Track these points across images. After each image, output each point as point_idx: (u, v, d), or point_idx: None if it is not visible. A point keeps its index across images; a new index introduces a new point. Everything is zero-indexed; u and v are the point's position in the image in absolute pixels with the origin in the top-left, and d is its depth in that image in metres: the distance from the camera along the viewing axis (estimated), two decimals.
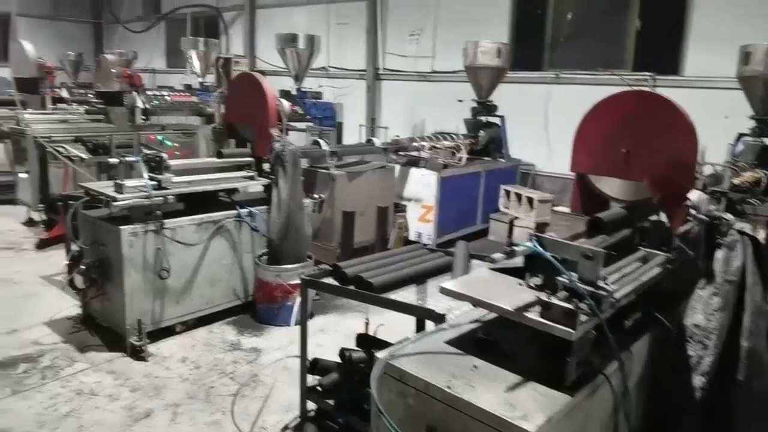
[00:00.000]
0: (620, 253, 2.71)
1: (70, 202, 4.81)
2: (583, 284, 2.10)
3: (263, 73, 14.96)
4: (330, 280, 3.30)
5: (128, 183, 4.23)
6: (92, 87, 11.56)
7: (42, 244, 6.91)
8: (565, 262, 2.14)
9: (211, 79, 12.71)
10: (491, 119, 8.46)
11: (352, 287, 3.12)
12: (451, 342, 2.29)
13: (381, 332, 3.50)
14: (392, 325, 3.44)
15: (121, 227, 4.16)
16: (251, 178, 5.03)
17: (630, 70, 8.96)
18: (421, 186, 6.98)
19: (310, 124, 10.19)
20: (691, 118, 3.05)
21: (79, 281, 4.61)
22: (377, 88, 12.73)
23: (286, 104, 5.64)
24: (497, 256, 2.11)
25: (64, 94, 11.21)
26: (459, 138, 7.84)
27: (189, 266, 4.61)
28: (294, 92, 10.71)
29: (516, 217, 7.66)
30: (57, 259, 6.02)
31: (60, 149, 7.21)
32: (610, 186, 3.41)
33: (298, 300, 4.65)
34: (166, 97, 10.44)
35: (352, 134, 12.30)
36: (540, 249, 2.15)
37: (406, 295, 3.40)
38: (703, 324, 2.81)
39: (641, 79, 8.55)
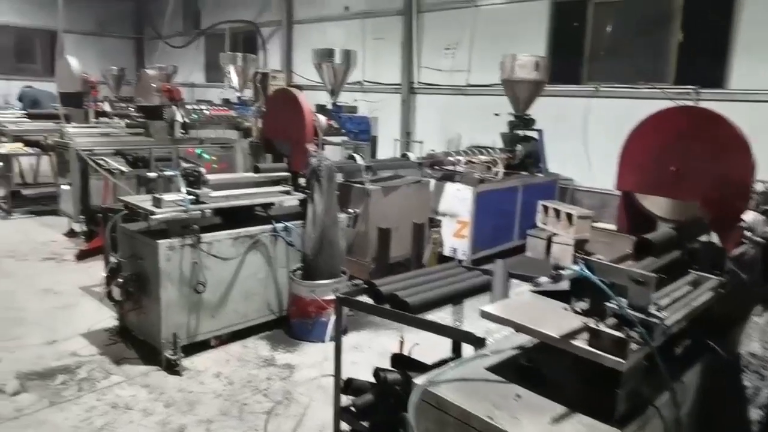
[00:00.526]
0: (670, 277, 2.58)
1: (110, 214, 4.90)
2: (633, 311, 1.99)
3: (299, 87, 15.11)
4: (364, 298, 3.24)
5: (166, 197, 4.26)
6: (133, 101, 11.86)
7: (82, 255, 7.04)
8: (613, 286, 2.04)
9: (248, 93, 12.90)
10: (529, 133, 8.33)
11: (387, 306, 3.05)
12: (493, 369, 2.20)
13: (416, 352, 3.42)
14: (427, 345, 3.36)
15: (159, 241, 4.19)
16: (287, 192, 5.02)
17: (672, 83, 8.73)
18: (457, 201, 6.89)
19: (345, 138, 10.23)
20: (744, 134, 2.91)
21: (116, 293, 4.67)
22: (412, 102, 12.72)
23: (322, 119, 5.65)
24: (542, 280, 2.02)
25: (107, 107, 11.51)
26: (495, 152, 7.73)
27: (224, 280, 4.61)
28: (330, 106, 10.79)
29: (554, 234, 7.50)
30: (96, 270, 6.12)
31: (101, 162, 7.37)
32: (658, 205, 3.26)
33: (332, 316, 4.62)
34: (205, 111, 10.64)
35: (387, 148, 12.29)
36: (588, 273, 2.05)
37: (443, 315, 3.33)
38: (760, 353, 2.66)
39: (684, 93, 8.33)
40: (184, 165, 7.81)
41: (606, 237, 8.71)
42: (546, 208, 7.77)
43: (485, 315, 2.19)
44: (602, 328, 1.96)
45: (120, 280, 4.47)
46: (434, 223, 6.64)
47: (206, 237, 4.42)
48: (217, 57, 14.32)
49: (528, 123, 8.32)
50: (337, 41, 13.68)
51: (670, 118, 3.15)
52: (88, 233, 7.82)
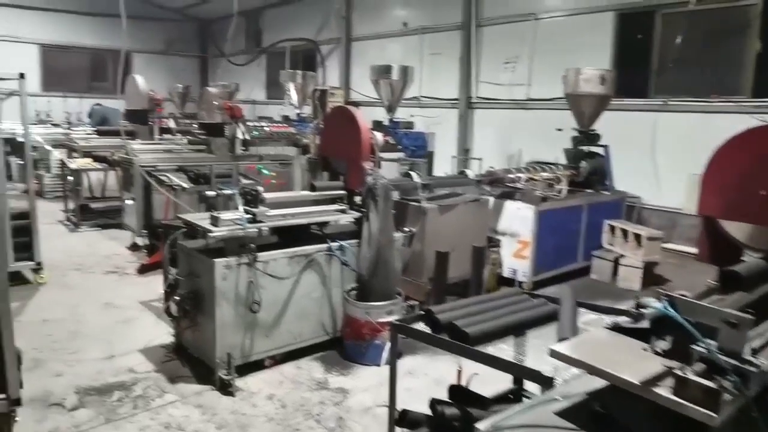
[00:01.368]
0: (761, 314, 2.31)
1: (170, 231, 4.96)
2: (725, 355, 1.76)
3: (357, 104, 15.19)
4: (421, 326, 3.09)
5: (224, 216, 4.25)
6: (196, 117, 12.20)
7: (143, 269, 7.19)
8: (699, 325, 1.82)
9: (307, 110, 13.06)
10: (594, 149, 7.99)
11: (445, 336, 2.89)
12: (563, 414, 2.00)
13: (475, 382, 3.24)
14: (487, 375, 3.16)
15: (215, 260, 4.18)
16: (343, 211, 4.94)
17: (749, 96, 8.23)
18: (517, 220, 6.65)
19: (402, 154, 10.15)
20: None
21: (174, 309, 4.69)
22: (470, 117, 12.55)
23: (379, 137, 5.55)
24: (621, 320, 1.82)
25: (171, 124, 11.88)
26: (558, 169, 7.44)
27: (279, 300, 4.56)
28: (386, 122, 10.76)
29: (621, 255, 7.13)
30: (156, 284, 6.20)
31: (163, 178, 7.54)
32: (745, 232, 2.98)
33: (387, 339, 4.48)
34: (265, 128, 10.80)
35: (444, 163, 12.16)
36: (672, 312, 1.84)
37: (503, 346, 3.14)
38: None
39: (762, 107, 7.82)
40: (243, 182, 7.96)
41: (677, 259, 8.26)
42: (612, 228, 7.41)
43: (555, 355, 1.99)
44: (690, 375, 1.74)
45: (177, 297, 4.49)
46: (493, 243, 6.42)
47: (262, 256, 4.38)
48: (278, 74, 14.60)
49: (593, 138, 7.99)
50: (394, 57, 13.71)
51: (760, 138, 2.88)
52: (150, 247, 7.99)
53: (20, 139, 6.93)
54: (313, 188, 5.00)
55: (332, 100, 15.24)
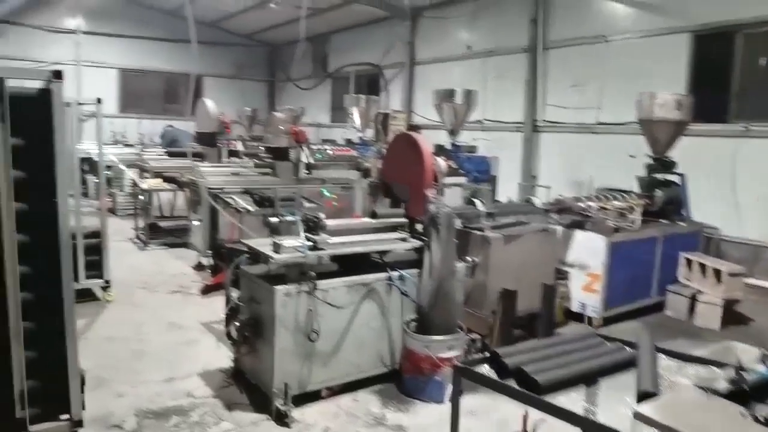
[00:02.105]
0: None
1: (233, 253, 4.99)
2: None
3: (418, 127, 15.14)
4: (486, 368, 2.92)
5: (286, 242, 4.22)
6: (263, 140, 12.48)
7: (206, 290, 7.29)
8: None
9: (370, 133, 13.13)
10: (669, 177, 7.58)
11: (512, 382, 2.71)
12: None
13: (541, 430, 3.03)
14: (555, 422, 2.94)
15: (276, 287, 4.14)
16: (404, 239, 4.83)
17: None
18: (588, 251, 6.34)
19: (464, 179, 9.99)
20: None
21: (234, 333, 4.69)
22: (535, 141, 12.25)
23: (442, 164, 5.43)
24: (722, 387, 1.61)
25: (239, 146, 12.18)
26: (631, 197, 7.07)
27: (338, 329, 4.47)
28: (448, 146, 10.64)
29: (699, 291, 6.67)
30: (218, 305, 6.25)
31: (229, 200, 7.68)
32: None
33: (447, 375, 4.31)
34: (328, 151, 10.90)
35: (508, 188, 11.89)
36: None
37: (575, 395, 2.92)
38: None
39: None
40: (306, 205, 8.00)
41: (760, 296, 7.67)
42: (689, 262, 6.96)
43: (640, 418, 1.80)
44: None
45: (237, 323, 4.48)
46: (561, 275, 6.14)
47: (322, 284, 4.31)
48: (342, 98, 14.77)
49: (668, 166, 7.59)
50: (457, 80, 13.62)
51: None
52: (214, 267, 8.13)
53: (97, 159, 7.28)
54: (374, 215, 4.91)
55: (394, 123, 15.32)
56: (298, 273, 4.24)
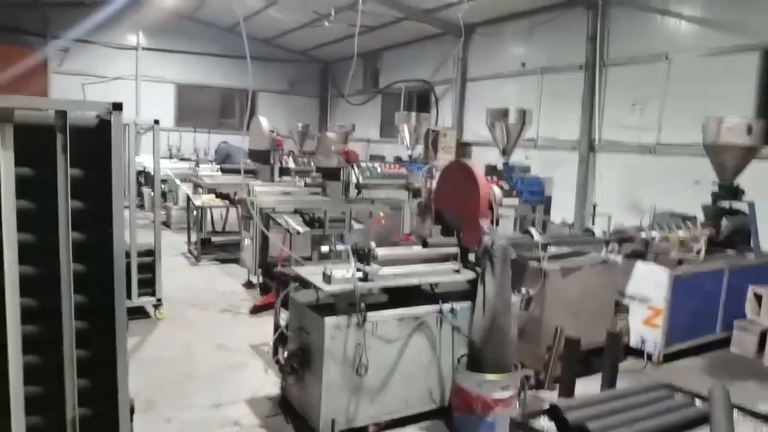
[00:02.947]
0: None
1: (283, 277, 4.95)
2: None
3: (468, 144, 15.04)
4: (545, 423, 2.74)
5: (336, 273, 4.14)
6: (314, 154, 12.58)
7: (255, 310, 7.31)
8: None
9: (419, 149, 13.06)
10: (736, 205, 7.17)
11: None
12: None
13: None
14: None
15: (326, 318, 4.07)
16: (457, 271, 4.68)
17: None
18: (649, 284, 6.04)
19: (516, 200, 9.73)
20: None
21: (281, 358, 4.64)
22: (591, 160, 11.88)
23: (497, 192, 5.27)
24: None
25: (291, 163, 12.28)
26: (696, 227, 6.71)
27: (386, 363, 4.35)
28: (500, 166, 10.41)
29: None
30: (266, 326, 6.22)
31: (280, 220, 7.71)
32: None
33: (500, 417, 4.13)
34: (378, 169, 10.86)
35: (562, 209, 11.57)
36: None
37: None
38: None
39: None
40: (355, 226, 7.96)
41: None
42: (759, 297, 6.54)
43: None
44: None
45: (286, 353, 4.43)
46: (620, 308, 5.85)
47: (372, 316, 4.21)
48: (392, 114, 14.73)
49: (736, 193, 7.18)
50: (510, 97, 13.41)
51: None
52: (263, 286, 8.17)
53: (153, 173, 7.51)
54: (425, 244, 4.79)
55: (444, 140, 15.19)
56: (347, 304, 4.15)
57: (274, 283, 7.61)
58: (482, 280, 4.42)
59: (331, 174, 8.72)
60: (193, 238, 10.59)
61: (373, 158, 16.65)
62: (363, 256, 4.31)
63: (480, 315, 4.41)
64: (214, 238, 10.98)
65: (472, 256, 4.89)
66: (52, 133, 3.10)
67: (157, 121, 6.51)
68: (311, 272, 4.46)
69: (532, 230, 5.48)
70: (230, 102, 20.98)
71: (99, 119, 3.27)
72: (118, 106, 3.23)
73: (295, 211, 7.99)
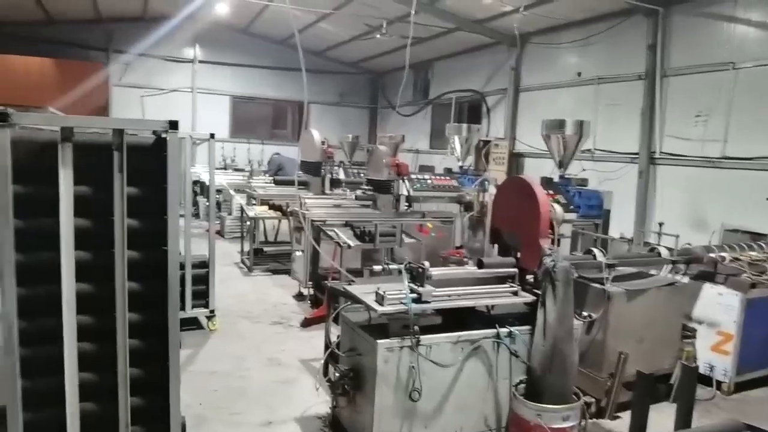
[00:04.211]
0: None
1: (334, 292, 4.87)
2: None
3: (521, 155, 14.73)
4: None
5: (389, 293, 4.02)
6: (364, 165, 12.53)
7: (306, 323, 7.28)
8: None
9: (469, 160, 12.86)
10: None
11: None
12: None
13: None
14: None
15: (378, 341, 3.95)
16: (515, 293, 4.49)
17: None
18: (718, 307, 5.67)
19: (574, 215, 9.41)
20: None
21: (332, 377, 4.55)
22: (651, 173, 11.41)
23: (559, 211, 5.06)
24: None
25: (341, 174, 12.28)
26: None
27: (440, 388, 4.19)
28: (556, 179, 10.10)
29: None
30: (318, 341, 6.14)
31: (331, 233, 7.67)
32: None
33: None
34: (428, 181, 10.72)
35: (620, 224, 11.13)
36: None
37: None
38: None
39: None
40: (406, 240, 7.84)
41: None
42: None
43: None
44: None
45: (337, 374, 4.34)
46: (687, 333, 5.50)
47: (425, 339, 4.07)
48: (442, 124, 14.56)
49: None
50: (565, 107, 13.07)
51: None
52: (314, 298, 8.15)
53: (208, 183, 7.68)
54: (480, 265, 4.61)
55: (496, 151, 14.92)
56: (401, 326, 4.02)
57: (324, 297, 7.60)
58: (542, 304, 4.21)
59: (381, 186, 8.63)
60: (246, 248, 10.71)
61: (422, 169, 16.52)
62: (417, 275, 4.17)
63: (540, 340, 4.20)
64: (266, 248, 11.06)
65: (529, 276, 4.68)
66: (110, 152, 3.11)
67: (213, 135, 6.58)
68: (363, 291, 4.35)
69: (595, 251, 5.21)
70: (282, 113, 21.28)
71: (156, 137, 3.27)
72: (174, 125, 3.22)
73: (346, 224, 7.93)
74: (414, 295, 4.06)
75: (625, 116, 11.80)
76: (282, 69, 19.07)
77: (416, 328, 4.02)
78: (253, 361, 6.11)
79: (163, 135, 3.23)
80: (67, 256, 3.08)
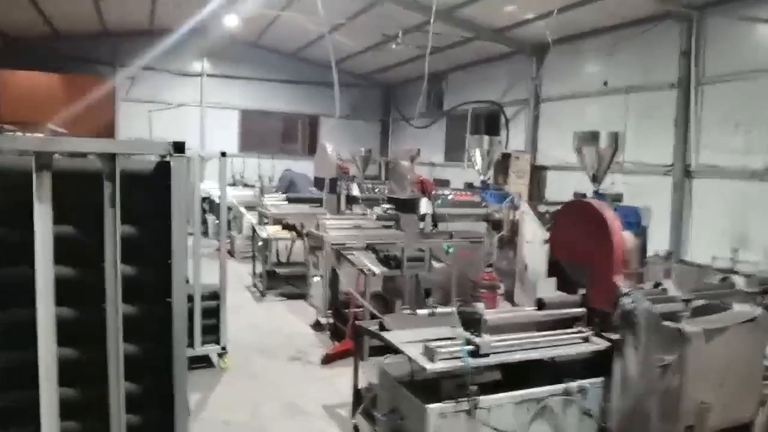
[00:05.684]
0: None
1: (360, 331, 4.22)
2: None
3: (544, 168, 14.05)
4: None
5: (441, 348, 3.34)
6: (377, 180, 11.91)
7: (327, 360, 6.58)
8: None
9: (488, 174, 12.18)
10: None
11: None
12: None
13: None
14: None
15: (429, 406, 3.26)
16: (586, 339, 3.79)
17: None
18: None
19: None
20: None
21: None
22: (686, 187, 10.70)
23: (629, 239, 4.36)
24: None
25: (355, 190, 11.62)
26: None
27: None
28: (589, 194, 9.43)
29: None
30: (341, 382, 5.54)
31: (352, 257, 7.01)
32: None
33: None
34: (449, 196, 10.04)
35: (652, 240, 10.41)
36: None
37: None
38: None
39: None
40: (435, 265, 7.16)
41: None
42: None
43: None
44: None
45: None
46: None
47: (484, 401, 3.38)
48: (457, 137, 13.92)
49: None
50: (591, 118, 12.40)
51: None
52: (334, 328, 7.47)
53: (217, 201, 7.08)
54: (541, 305, 3.93)
55: (516, 164, 14.25)
56: (454, 385, 3.34)
57: (345, 327, 6.93)
58: (621, 353, 3.52)
59: (405, 205, 7.96)
60: (258, 269, 10.06)
61: (437, 183, 15.86)
62: (471, 321, 3.49)
63: (618, 396, 3.51)
64: (279, 270, 10.39)
65: (597, 316, 3.99)
66: (100, 182, 2.46)
67: (224, 153, 5.96)
68: (403, 339, 3.67)
69: (666, 282, 4.51)
70: (293, 127, 20.77)
71: (157, 163, 2.62)
72: (180, 147, 2.57)
73: (368, 247, 7.28)
74: (470, 347, 3.38)
75: (657, 127, 11.13)
76: (292, 82, 18.57)
77: (474, 387, 3.33)
78: (271, 407, 5.41)
79: (166, 160, 2.59)
80: (45, 314, 2.42)
